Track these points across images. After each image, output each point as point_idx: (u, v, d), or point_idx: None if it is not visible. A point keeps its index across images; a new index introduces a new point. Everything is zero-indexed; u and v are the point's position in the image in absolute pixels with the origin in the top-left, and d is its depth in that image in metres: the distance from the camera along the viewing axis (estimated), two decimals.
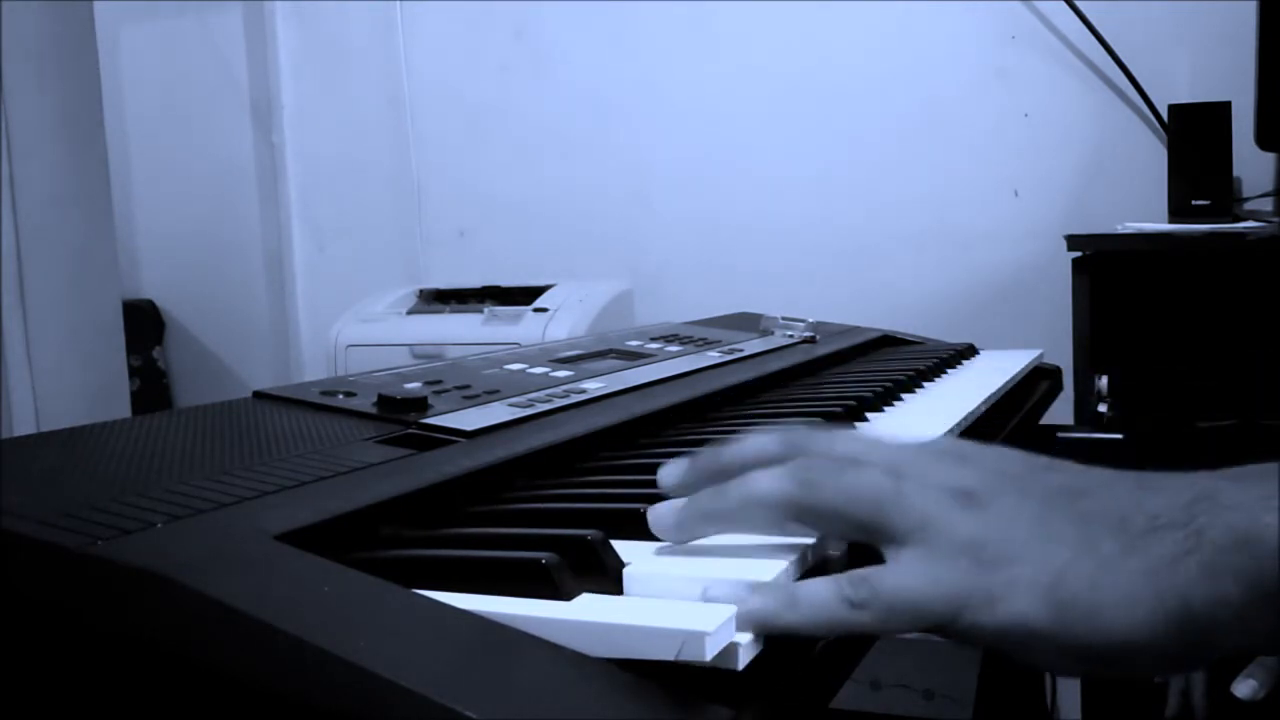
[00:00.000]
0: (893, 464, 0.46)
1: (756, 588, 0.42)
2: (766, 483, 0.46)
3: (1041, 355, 1.24)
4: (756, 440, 0.50)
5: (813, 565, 0.47)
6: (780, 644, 0.41)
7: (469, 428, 0.66)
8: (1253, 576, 0.38)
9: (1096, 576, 0.40)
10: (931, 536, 0.43)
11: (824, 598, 0.43)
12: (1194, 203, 1.68)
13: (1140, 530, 0.41)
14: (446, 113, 2.36)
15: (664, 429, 0.77)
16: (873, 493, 0.45)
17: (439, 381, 0.78)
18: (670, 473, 0.50)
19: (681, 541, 0.48)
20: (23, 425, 1.67)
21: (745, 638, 0.39)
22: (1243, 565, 0.38)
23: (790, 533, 0.47)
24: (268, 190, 2.53)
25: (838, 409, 0.79)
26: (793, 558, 0.46)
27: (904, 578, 0.43)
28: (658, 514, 0.48)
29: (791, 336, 1.19)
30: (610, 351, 0.98)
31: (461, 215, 2.37)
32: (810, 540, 0.48)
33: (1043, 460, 0.47)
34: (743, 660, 0.38)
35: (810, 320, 1.23)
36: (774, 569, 0.44)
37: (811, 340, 1.19)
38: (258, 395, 0.73)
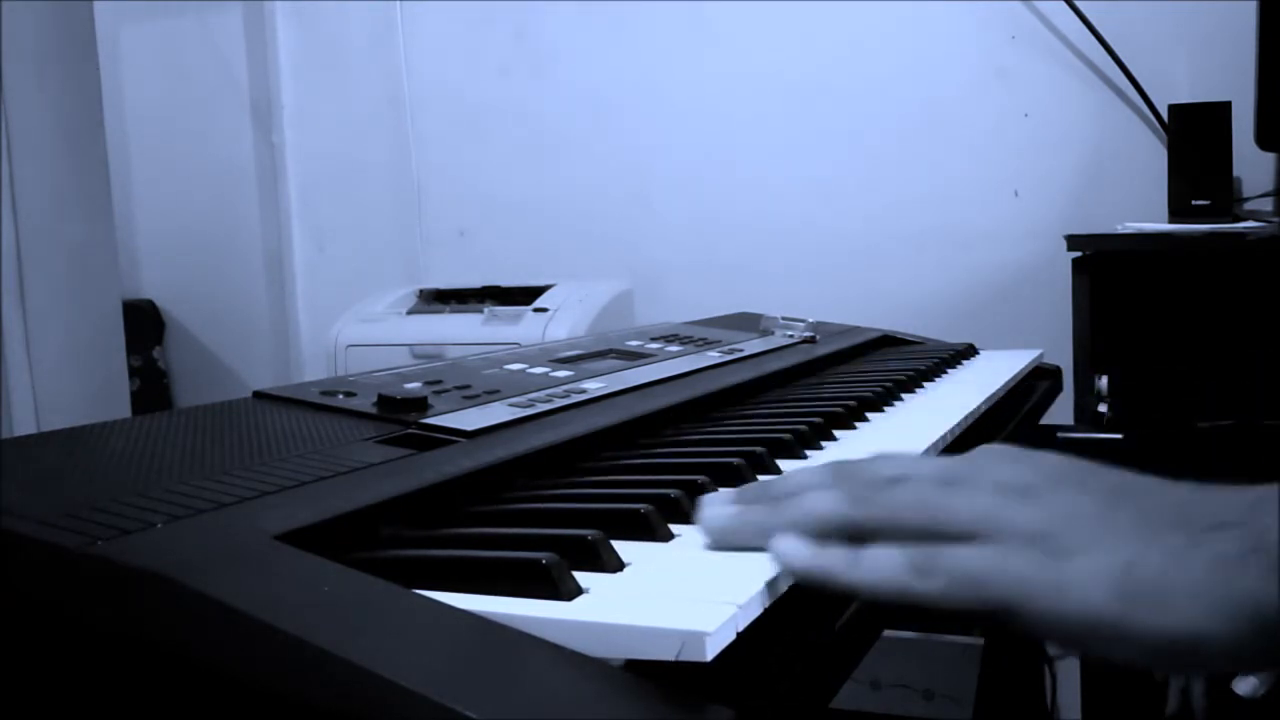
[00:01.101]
0: (942, 473, 0.46)
1: (820, 548, 0.43)
2: (822, 502, 0.47)
3: (1041, 355, 1.24)
4: (805, 471, 0.51)
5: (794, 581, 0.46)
6: (781, 644, 0.41)
7: (469, 428, 0.66)
8: None
9: (1165, 567, 0.40)
10: (994, 529, 0.43)
11: (889, 562, 0.43)
12: (1194, 203, 1.68)
13: (1204, 526, 0.41)
14: (446, 113, 2.36)
15: (664, 429, 0.77)
16: (923, 502, 0.45)
17: (439, 381, 0.78)
18: (714, 504, 0.50)
19: (722, 547, 0.48)
20: (23, 425, 1.67)
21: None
22: None
23: None
24: (268, 190, 2.53)
25: (838, 409, 0.79)
26: (780, 568, 0.45)
27: (972, 556, 0.43)
28: (712, 513, 0.49)
29: (791, 336, 1.19)
30: (610, 351, 0.98)
31: (461, 215, 2.37)
32: None
33: (1093, 463, 0.47)
34: (709, 650, 0.37)
35: (810, 320, 1.23)
36: (770, 570, 0.44)
37: (811, 340, 1.19)
38: (258, 395, 0.73)
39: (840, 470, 0.49)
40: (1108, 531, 0.42)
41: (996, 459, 0.48)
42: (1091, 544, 0.42)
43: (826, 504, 0.47)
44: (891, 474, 0.47)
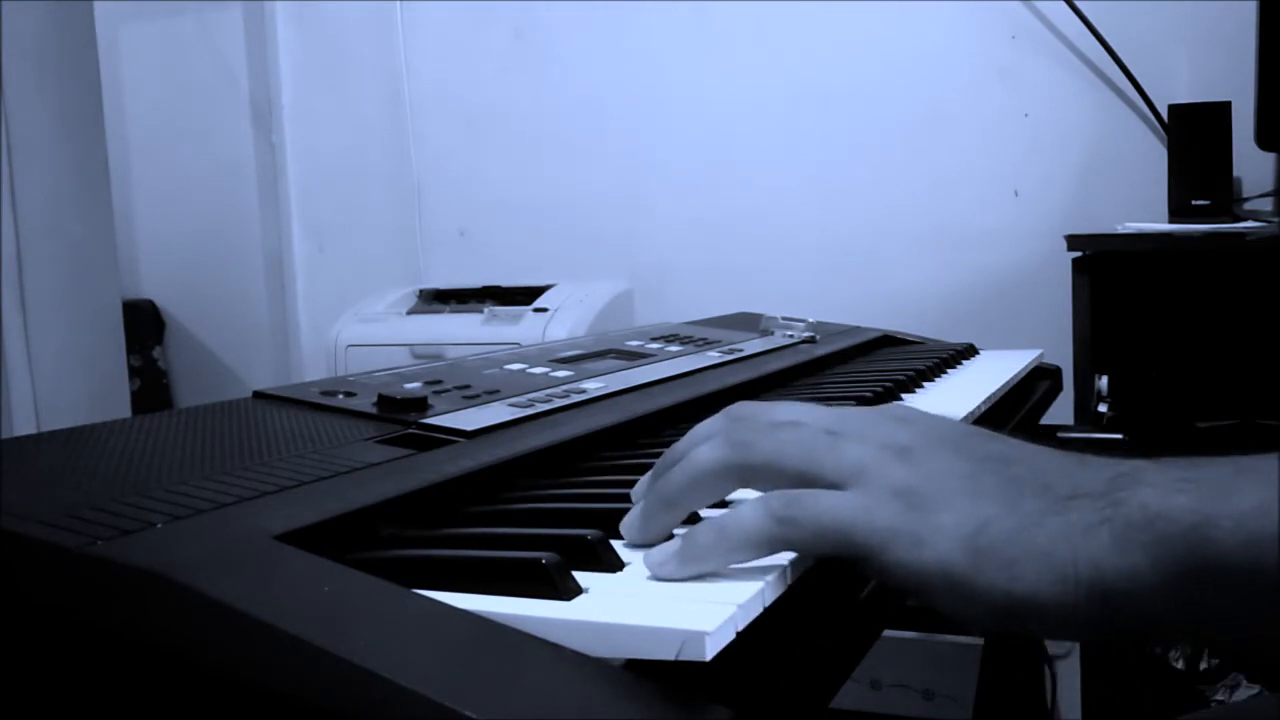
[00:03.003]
0: (831, 423, 0.48)
1: (684, 539, 0.44)
2: (704, 453, 0.48)
3: (1041, 355, 1.24)
4: (700, 425, 0.51)
5: (794, 581, 0.46)
6: (781, 644, 0.41)
7: (469, 428, 0.66)
8: (1160, 553, 0.39)
9: (1016, 532, 0.42)
10: (866, 480, 0.45)
11: (752, 519, 0.44)
12: (1194, 203, 1.69)
13: (1062, 496, 0.43)
14: (446, 113, 2.36)
15: (664, 429, 0.77)
16: (807, 446, 0.46)
17: (439, 381, 0.78)
18: (637, 488, 0.52)
19: (650, 541, 0.47)
20: (23, 425, 1.67)
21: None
22: (1150, 541, 0.39)
23: (744, 514, 0.45)
24: (268, 190, 2.53)
25: None
26: (780, 568, 0.45)
27: (837, 502, 0.44)
28: (625, 522, 0.49)
29: (791, 336, 1.19)
30: (610, 351, 0.98)
31: (461, 215, 2.37)
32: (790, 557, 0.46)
33: (984, 431, 0.49)
34: (709, 649, 0.37)
35: (810, 320, 1.23)
36: (770, 569, 0.44)
37: (811, 340, 1.19)
38: (258, 395, 0.73)
39: (733, 414, 0.51)
40: (972, 493, 0.44)
41: (884, 419, 0.49)
42: (954, 503, 0.44)
43: (710, 454, 0.48)
44: (782, 419, 0.49)
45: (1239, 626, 0.39)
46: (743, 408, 0.51)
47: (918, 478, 0.45)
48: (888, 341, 1.33)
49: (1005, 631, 0.43)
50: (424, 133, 2.38)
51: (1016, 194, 1.96)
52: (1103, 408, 1.43)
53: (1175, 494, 0.40)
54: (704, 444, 0.48)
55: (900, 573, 0.43)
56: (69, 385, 1.76)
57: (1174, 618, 0.40)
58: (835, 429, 0.47)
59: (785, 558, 0.46)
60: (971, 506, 0.43)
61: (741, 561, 0.44)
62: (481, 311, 2.03)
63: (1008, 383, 1.03)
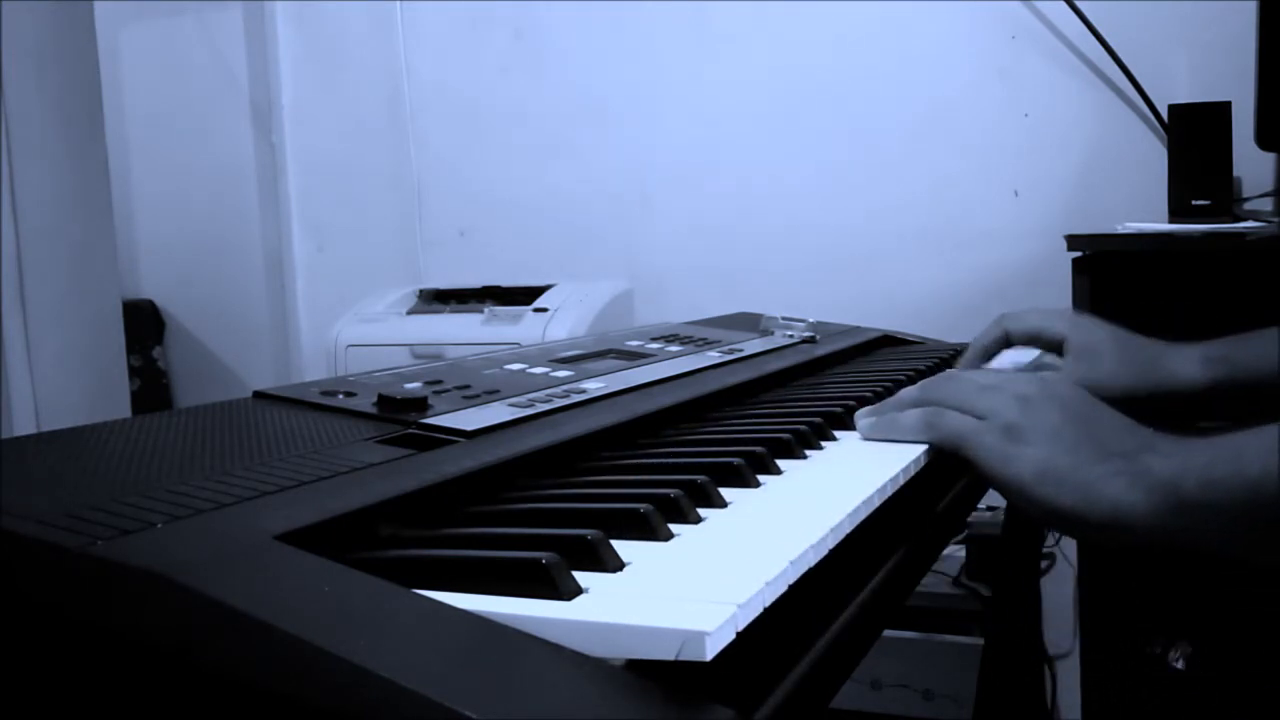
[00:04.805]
0: (988, 380, 0.71)
1: (874, 417, 0.73)
2: (908, 390, 0.75)
3: (1041, 356, 1.24)
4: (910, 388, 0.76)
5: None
6: (781, 644, 0.41)
7: (469, 428, 0.66)
8: (1151, 496, 0.61)
9: (1070, 469, 0.64)
10: (991, 415, 0.68)
11: (912, 418, 0.71)
12: (1194, 203, 1.69)
13: (1110, 452, 0.65)
14: (446, 113, 2.36)
15: (664, 429, 0.77)
16: (963, 392, 0.70)
17: (439, 381, 0.78)
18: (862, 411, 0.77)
19: (868, 436, 0.74)
20: (23, 425, 1.67)
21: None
22: (1146, 487, 0.62)
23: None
24: (268, 190, 2.53)
25: (838, 409, 0.79)
26: (779, 568, 0.45)
27: (962, 422, 0.68)
28: (860, 417, 0.75)
29: (791, 336, 1.19)
30: (610, 351, 0.98)
31: (461, 215, 2.37)
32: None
33: (1093, 399, 0.70)
34: (709, 649, 0.37)
35: (810, 320, 1.23)
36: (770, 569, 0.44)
37: (811, 340, 1.19)
38: (258, 395, 0.73)
39: (936, 375, 0.77)
40: (1053, 438, 0.66)
41: (1025, 378, 0.72)
42: (1038, 441, 0.66)
43: (910, 391, 0.74)
44: (958, 376, 0.75)
45: (1217, 543, 0.61)
46: (945, 372, 0.82)
47: (1024, 419, 0.66)
48: (888, 341, 1.33)
49: (1047, 527, 0.64)
50: (424, 133, 2.38)
51: (1016, 194, 1.96)
52: None
53: (1168, 458, 0.62)
54: (911, 387, 0.75)
55: (991, 478, 0.67)
56: (69, 385, 1.76)
57: (1164, 536, 0.61)
58: (988, 383, 0.70)
59: (793, 552, 0.45)
60: (1049, 446, 0.65)
61: (903, 439, 0.70)
62: (481, 311, 2.03)
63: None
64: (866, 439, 0.73)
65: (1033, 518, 0.66)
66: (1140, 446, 0.64)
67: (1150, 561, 1.47)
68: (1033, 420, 0.67)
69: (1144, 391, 0.94)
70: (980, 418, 0.68)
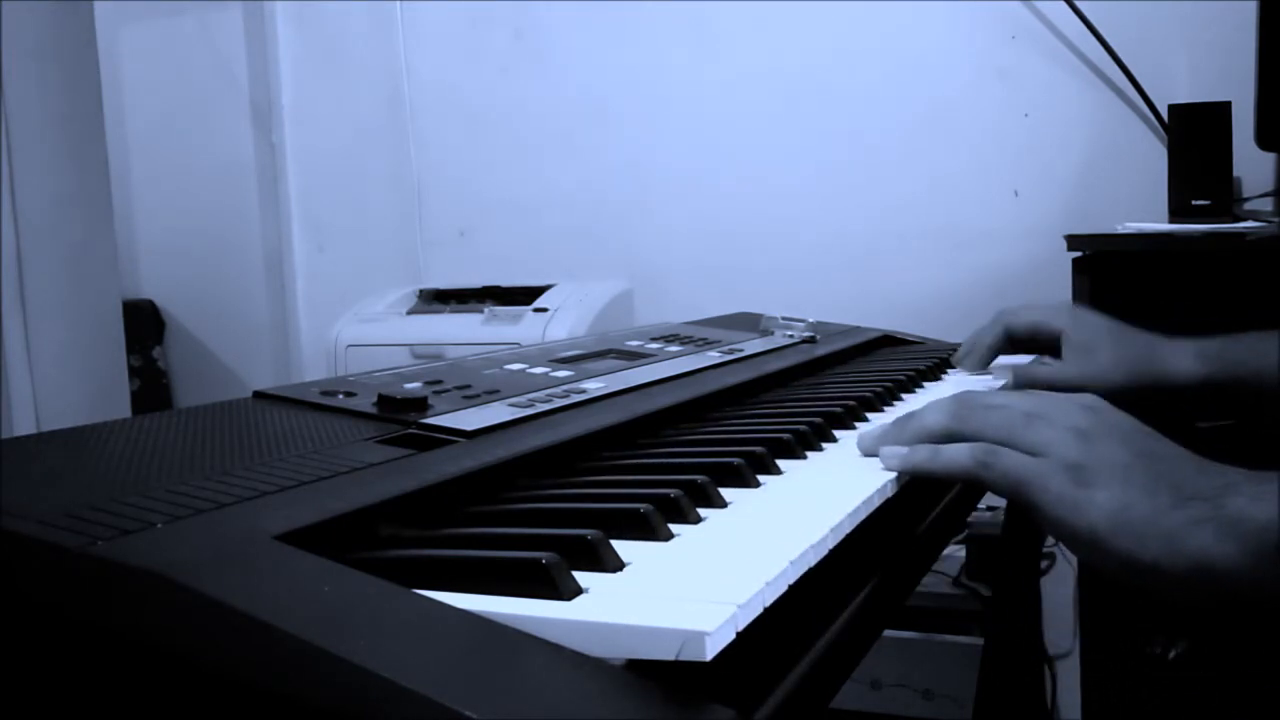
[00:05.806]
0: (1031, 407, 0.62)
1: (912, 449, 0.62)
2: (932, 417, 0.64)
3: (1041, 357, 1.24)
4: (933, 401, 0.67)
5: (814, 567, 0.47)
6: (781, 644, 0.41)
7: (469, 428, 0.66)
8: (1245, 545, 0.54)
9: (1149, 516, 0.56)
10: (1049, 452, 0.59)
11: (960, 454, 0.61)
12: (1194, 203, 1.68)
13: (1188, 495, 0.57)
14: (446, 113, 2.36)
15: (664, 429, 0.77)
16: (1008, 424, 0.61)
17: (439, 381, 0.78)
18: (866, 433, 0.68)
19: (869, 453, 0.66)
20: (23, 425, 1.67)
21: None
22: (1239, 535, 0.54)
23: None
24: (268, 190, 2.53)
25: (838, 409, 0.79)
26: (779, 568, 0.45)
27: (1023, 462, 0.59)
28: (861, 438, 0.67)
29: (791, 336, 1.19)
30: (610, 351, 0.98)
31: (461, 215, 2.37)
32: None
33: (1146, 428, 0.63)
34: (709, 649, 0.37)
35: (810, 320, 1.23)
36: (770, 569, 0.44)
37: (811, 340, 1.19)
38: (258, 395, 0.73)
39: (959, 398, 0.66)
40: (1124, 480, 0.58)
41: (1074, 406, 0.63)
42: (1110, 485, 0.58)
43: (937, 419, 0.64)
44: (994, 403, 0.64)
45: None
46: (969, 394, 0.66)
47: (1088, 458, 0.58)
48: (888, 341, 1.33)
49: (1120, 581, 0.58)
50: (424, 133, 2.38)
51: (1016, 194, 1.96)
52: None
53: (1257, 501, 0.54)
54: (934, 412, 0.64)
55: (1059, 527, 0.58)
56: (69, 385, 1.76)
57: (1259, 591, 0.54)
58: (1034, 412, 0.61)
59: (793, 552, 0.45)
60: (1122, 491, 0.57)
61: (937, 476, 0.61)
62: (481, 311, 2.03)
63: (1008, 383, 1.02)
64: (889, 469, 0.62)
65: (1105, 570, 0.58)
66: (1222, 488, 0.56)
67: None
68: (1097, 458, 0.59)
69: (1139, 386, 0.93)
70: (1031, 453, 0.60)
